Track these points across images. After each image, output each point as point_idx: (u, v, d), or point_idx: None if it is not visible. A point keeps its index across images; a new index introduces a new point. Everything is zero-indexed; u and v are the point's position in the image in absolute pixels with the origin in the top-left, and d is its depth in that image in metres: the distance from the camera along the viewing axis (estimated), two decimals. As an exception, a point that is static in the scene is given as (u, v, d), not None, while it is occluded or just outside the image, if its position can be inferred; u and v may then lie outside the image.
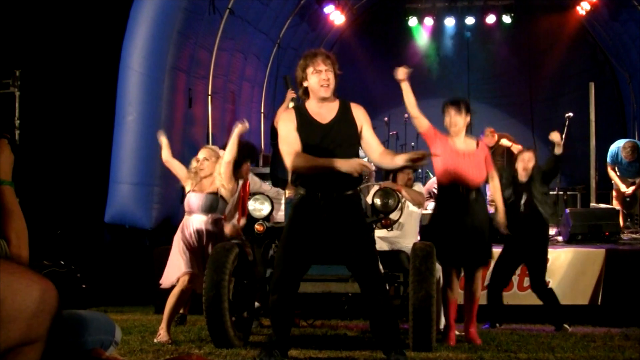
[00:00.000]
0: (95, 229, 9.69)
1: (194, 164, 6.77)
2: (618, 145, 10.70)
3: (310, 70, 5.09)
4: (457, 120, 6.29)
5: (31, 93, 9.79)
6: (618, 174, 10.87)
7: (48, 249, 8.36)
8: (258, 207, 5.75)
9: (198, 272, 6.37)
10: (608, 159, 10.80)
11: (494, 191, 6.57)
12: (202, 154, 6.79)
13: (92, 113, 10.24)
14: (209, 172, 6.70)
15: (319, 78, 5.06)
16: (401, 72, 6.04)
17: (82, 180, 10.25)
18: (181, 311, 7.05)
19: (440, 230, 6.29)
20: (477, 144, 6.38)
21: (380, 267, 6.02)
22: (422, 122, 6.36)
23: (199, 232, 6.54)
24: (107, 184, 9.28)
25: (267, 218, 5.90)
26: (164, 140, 6.95)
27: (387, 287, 5.87)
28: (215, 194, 6.64)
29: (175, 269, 6.43)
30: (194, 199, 6.63)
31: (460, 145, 6.31)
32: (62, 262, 8.01)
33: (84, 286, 8.38)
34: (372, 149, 5.13)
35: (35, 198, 9.70)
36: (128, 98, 9.21)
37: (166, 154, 6.96)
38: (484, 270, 6.72)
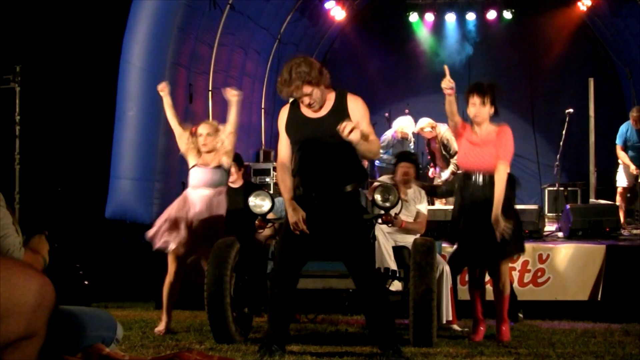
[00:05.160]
0: (95, 225, 9.68)
1: (199, 139, 6.76)
2: (627, 121, 10.39)
3: (292, 93, 4.93)
4: (482, 111, 5.93)
5: (32, 88, 9.79)
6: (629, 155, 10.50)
7: (51, 245, 8.38)
8: (258, 204, 5.73)
9: (189, 248, 6.52)
10: (617, 140, 10.43)
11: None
12: (204, 129, 6.79)
13: (93, 108, 10.22)
14: (212, 148, 6.73)
15: (302, 104, 4.98)
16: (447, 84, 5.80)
17: (83, 176, 10.24)
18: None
19: (458, 228, 6.04)
20: (498, 132, 5.95)
21: (392, 263, 6.04)
22: (457, 123, 6.04)
23: (202, 206, 6.58)
24: (108, 180, 9.27)
25: (267, 214, 5.89)
26: (165, 91, 6.95)
27: (397, 284, 5.90)
28: (219, 167, 6.71)
29: (165, 236, 6.54)
30: (200, 174, 6.67)
31: (479, 135, 5.96)
32: (66, 259, 8.02)
33: (86, 283, 8.38)
34: None
35: (35, 194, 9.71)
36: (128, 93, 9.19)
37: (170, 113, 6.96)
38: (508, 263, 6.32)
